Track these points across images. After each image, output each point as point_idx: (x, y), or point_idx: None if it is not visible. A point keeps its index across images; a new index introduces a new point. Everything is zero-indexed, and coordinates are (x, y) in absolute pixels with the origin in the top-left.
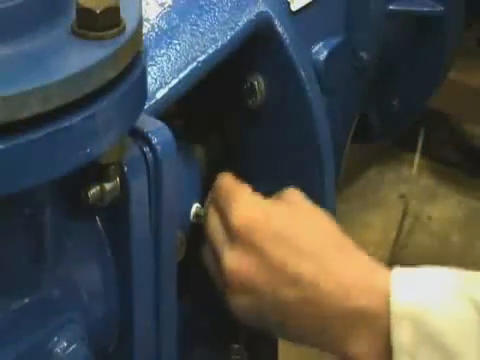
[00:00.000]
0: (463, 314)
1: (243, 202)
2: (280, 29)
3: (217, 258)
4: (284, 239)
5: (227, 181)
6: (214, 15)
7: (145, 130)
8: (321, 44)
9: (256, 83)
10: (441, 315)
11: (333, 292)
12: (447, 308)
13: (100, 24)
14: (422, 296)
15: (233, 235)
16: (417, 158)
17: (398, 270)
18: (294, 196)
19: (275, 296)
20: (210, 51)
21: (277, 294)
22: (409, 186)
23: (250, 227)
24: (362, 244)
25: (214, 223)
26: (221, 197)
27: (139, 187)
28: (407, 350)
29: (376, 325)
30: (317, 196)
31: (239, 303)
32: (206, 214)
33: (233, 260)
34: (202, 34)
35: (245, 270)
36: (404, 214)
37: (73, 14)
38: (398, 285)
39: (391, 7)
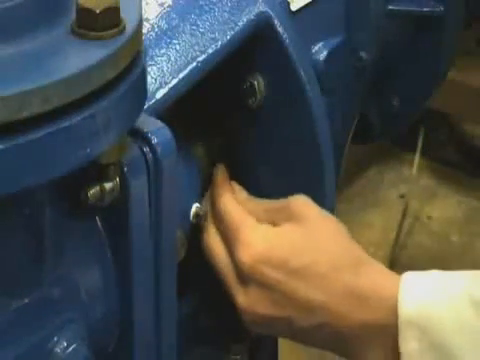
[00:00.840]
0: (468, 320)
1: (250, 239)
2: (280, 29)
3: (229, 292)
4: (293, 270)
5: (231, 208)
6: (214, 15)
7: (145, 130)
8: (321, 44)
9: (256, 83)
10: (446, 322)
11: (345, 312)
12: (452, 314)
13: (100, 24)
14: (428, 303)
15: (243, 274)
16: (417, 158)
17: (406, 276)
18: (300, 206)
19: (291, 325)
20: (210, 51)
21: (293, 324)
22: (409, 186)
23: (259, 265)
24: (362, 244)
25: (222, 256)
26: (227, 229)
27: (139, 187)
28: (415, 357)
29: (388, 334)
30: (317, 196)
31: (256, 329)
32: (209, 234)
33: (247, 299)
34: (202, 34)
35: (259, 307)
36: (404, 214)
37: (73, 14)
38: (405, 293)
39: (391, 7)
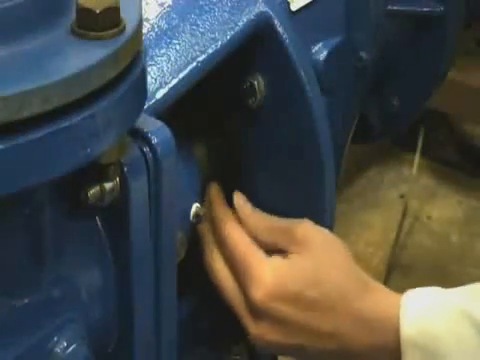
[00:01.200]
0: (467, 339)
1: (260, 275)
2: (280, 29)
3: (239, 320)
4: (305, 304)
5: (237, 239)
6: (214, 15)
7: (145, 130)
8: (321, 44)
9: (256, 83)
10: (447, 340)
11: (354, 337)
12: (452, 333)
13: (100, 24)
14: (427, 322)
15: (256, 309)
16: (417, 158)
17: (406, 297)
18: (306, 232)
19: (303, 350)
20: (210, 51)
21: (305, 349)
22: (409, 186)
23: (272, 302)
24: (362, 244)
25: (231, 286)
26: (236, 261)
27: (139, 187)
28: None
29: (394, 354)
30: (317, 196)
31: (267, 352)
32: (213, 262)
33: (259, 330)
34: (202, 34)
35: (272, 337)
36: (404, 214)
37: (73, 14)
38: (405, 314)
39: (391, 7)
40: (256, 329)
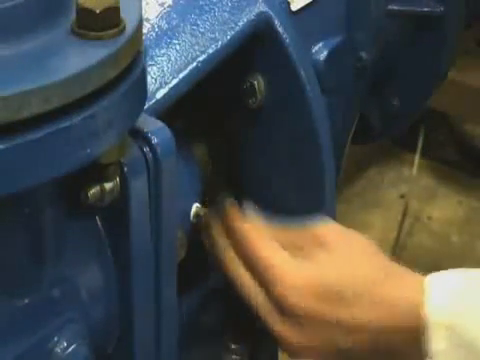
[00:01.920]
0: None
1: (286, 275)
2: (280, 29)
3: (266, 324)
4: (330, 297)
5: (256, 241)
6: (214, 15)
7: (145, 130)
8: (321, 44)
9: (256, 83)
10: (474, 320)
11: (383, 325)
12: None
13: (100, 24)
14: (454, 302)
15: (281, 308)
16: (417, 158)
17: (431, 278)
18: (330, 233)
19: (335, 347)
20: (210, 51)
21: (335, 345)
22: (409, 186)
23: (297, 300)
24: None
25: (252, 288)
26: (258, 264)
27: (139, 187)
28: (443, 357)
29: (420, 337)
30: (317, 196)
31: (296, 356)
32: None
33: (287, 331)
34: (202, 34)
35: (301, 337)
36: (404, 214)
37: (73, 14)
38: (431, 295)
39: (391, 7)
40: (282, 327)
